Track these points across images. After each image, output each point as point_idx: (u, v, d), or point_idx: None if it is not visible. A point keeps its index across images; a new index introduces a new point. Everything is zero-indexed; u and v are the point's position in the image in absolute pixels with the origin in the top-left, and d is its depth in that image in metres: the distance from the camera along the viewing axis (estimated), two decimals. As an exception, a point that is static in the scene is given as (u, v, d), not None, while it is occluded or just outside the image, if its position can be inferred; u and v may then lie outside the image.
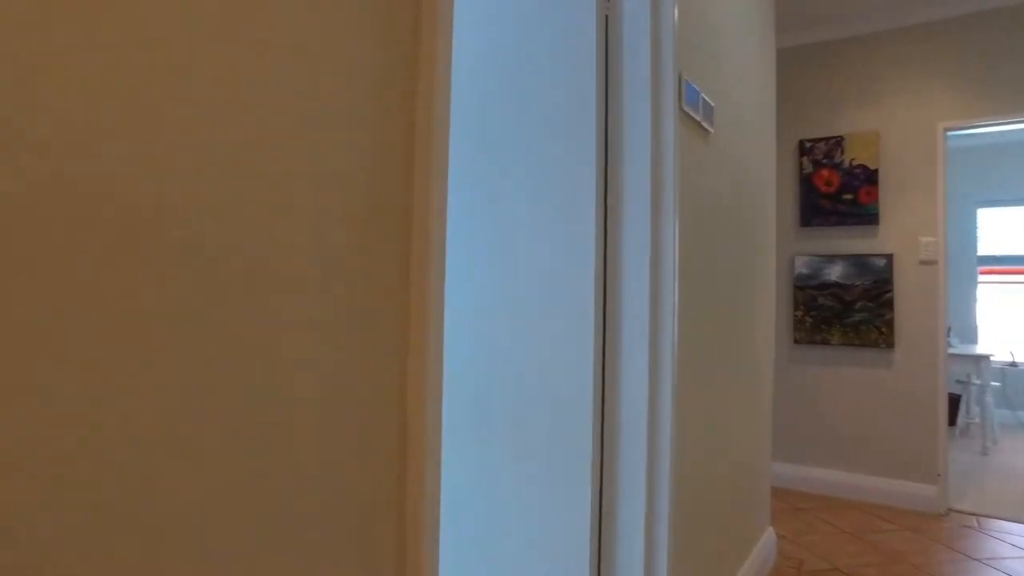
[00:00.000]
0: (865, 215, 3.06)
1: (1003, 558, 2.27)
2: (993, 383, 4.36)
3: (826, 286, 3.15)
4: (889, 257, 2.98)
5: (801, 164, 3.24)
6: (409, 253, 0.53)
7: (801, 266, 3.23)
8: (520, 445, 1.27)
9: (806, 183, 3.22)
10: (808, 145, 3.22)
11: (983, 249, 5.40)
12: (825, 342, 3.12)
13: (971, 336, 5.31)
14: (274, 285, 0.45)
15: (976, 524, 2.64)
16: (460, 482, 1.34)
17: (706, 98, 1.43)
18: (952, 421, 4.64)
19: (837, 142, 3.14)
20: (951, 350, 4.12)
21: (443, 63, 0.54)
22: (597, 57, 1.15)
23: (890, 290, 2.97)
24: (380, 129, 0.52)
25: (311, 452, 0.48)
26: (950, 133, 2.93)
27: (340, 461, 0.50)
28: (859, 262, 3.06)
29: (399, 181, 0.53)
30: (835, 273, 3.14)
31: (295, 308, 0.47)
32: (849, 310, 3.08)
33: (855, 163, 3.10)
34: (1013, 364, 5.06)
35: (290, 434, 0.47)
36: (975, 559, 2.26)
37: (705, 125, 1.43)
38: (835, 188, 3.15)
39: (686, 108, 1.28)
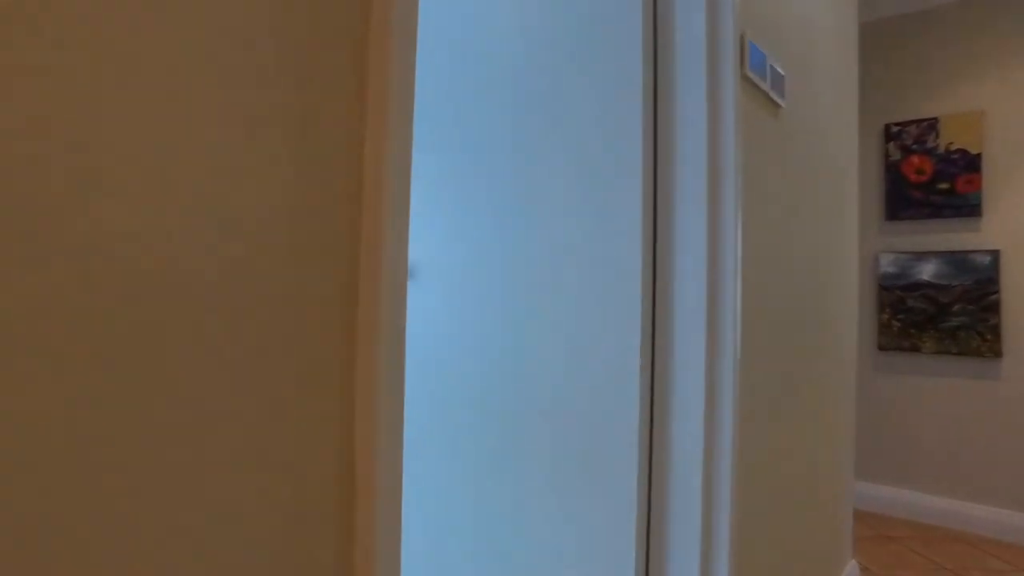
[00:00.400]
0: (965, 206, 2.69)
1: None
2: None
3: (917, 286, 2.80)
4: (995, 254, 2.61)
5: (887, 151, 2.91)
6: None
7: (887, 264, 2.89)
8: (553, 462, 1.13)
9: (893, 172, 2.88)
10: (895, 130, 2.88)
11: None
12: (915, 349, 2.77)
13: (1093, 345, 4.65)
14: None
15: (1110, 566, 2.24)
16: (476, 501, 1.21)
17: (775, 65, 1.24)
18: (1071, 441, 4.06)
19: (930, 125, 2.79)
20: (1070, 360, 3.59)
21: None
22: (644, 13, 0.99)
23: (996, 291, 2.59)
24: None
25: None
26: (1072, 109, 2.53)
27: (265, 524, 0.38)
28: (957, 259, 2.70)
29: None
30: (927, 272, 2.79)
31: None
32: (944, 314, 2.72)
33: (952, 148, 2.74)
34: None
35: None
36: (1112, 610, 1.90)
37: (774, 96, 1.23)
38: (928, 177, 2.80)
39: (750, 74, 1.10)
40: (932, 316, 2.75)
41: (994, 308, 2.59)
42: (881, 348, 2.87)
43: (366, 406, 0.39)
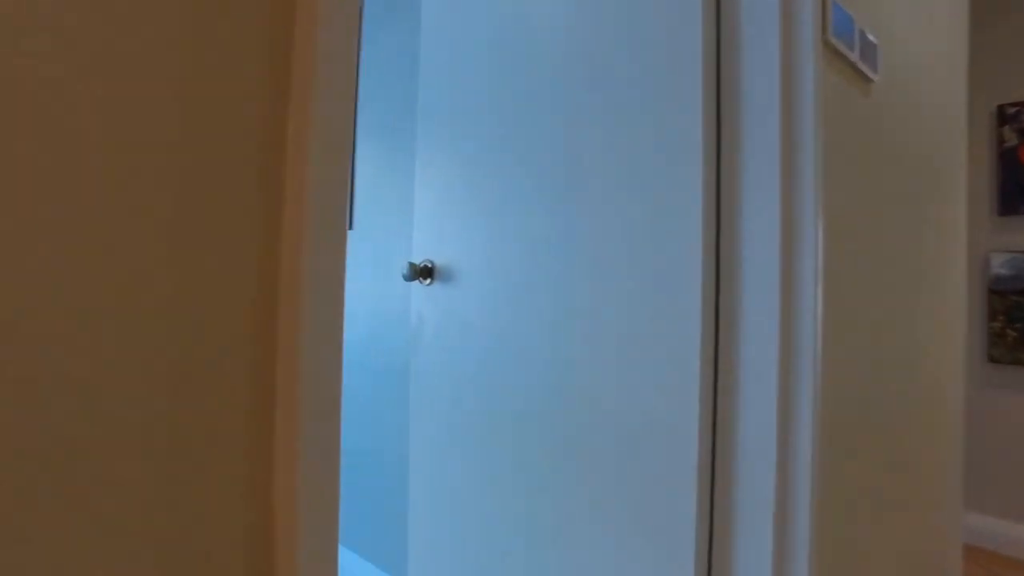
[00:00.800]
0: (1101, 197, 2.31)
1: None
2: None
3: (1037, 290, 2.44)
4: None
5: (1000, 136, 2.55)
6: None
7: (999, 265, 2.54)
8: (604, 479, 1.01)
9: (1007, 159, 2.52)
10: (1012, 111, 2.52)
11: None
12: (1035, 362, 2.41)
13: None
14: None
15: None
16: (522, 520, 1.10)
17: (865, 31, 1.06)
18: None
19: (1056, 103, 2.42)
20: None
21: None
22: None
23: None
24: None
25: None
26: None
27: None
28: (1091, 259, 2.32)
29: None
30: (1052, 274, 2.42)
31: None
32: (1073, 322, 2.35)
33: (1084, 129, 2.36)
34: None
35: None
36: None
37: (864, 69, 1.05)
38: (1052, 164, 2.42)
39: (833, 41, 0.94)
40: (1057, 325, 2.38)
41: None
42: (993, 360, 2.52)
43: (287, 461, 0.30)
